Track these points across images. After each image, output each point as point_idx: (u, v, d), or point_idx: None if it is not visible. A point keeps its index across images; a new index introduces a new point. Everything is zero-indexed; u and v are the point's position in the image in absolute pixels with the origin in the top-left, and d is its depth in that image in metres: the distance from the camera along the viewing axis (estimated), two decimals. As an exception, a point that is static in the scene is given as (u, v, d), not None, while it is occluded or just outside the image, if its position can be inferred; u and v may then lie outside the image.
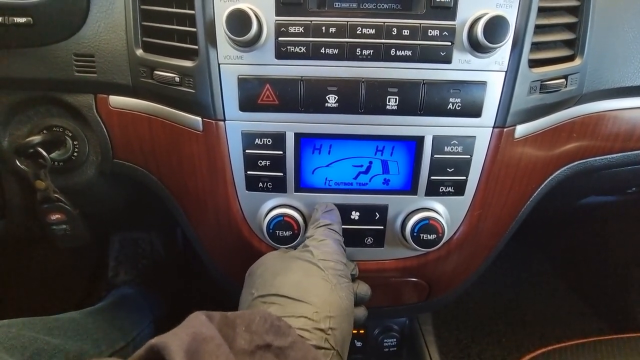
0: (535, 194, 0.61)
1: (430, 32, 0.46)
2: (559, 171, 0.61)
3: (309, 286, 0.42)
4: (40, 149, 0.57)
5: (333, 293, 0.43)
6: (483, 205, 0.56)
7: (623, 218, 1.16)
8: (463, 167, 0.52)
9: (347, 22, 0.46)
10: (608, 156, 0.62)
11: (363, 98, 0.48)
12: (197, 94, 0.50)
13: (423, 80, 0.48)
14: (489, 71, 0.48)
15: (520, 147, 0.54)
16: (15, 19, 0.50)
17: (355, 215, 0.55)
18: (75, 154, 0.60)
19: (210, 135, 0.51)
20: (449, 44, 0.46)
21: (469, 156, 0.52)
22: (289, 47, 0.47)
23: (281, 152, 0.51)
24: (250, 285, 0.46)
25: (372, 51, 0.47)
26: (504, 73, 0.48)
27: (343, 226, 0.55)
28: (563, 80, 0.51)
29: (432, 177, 0.53)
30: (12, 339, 0.53)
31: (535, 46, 0.50)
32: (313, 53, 0.47)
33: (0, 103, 0.57)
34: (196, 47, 0.48)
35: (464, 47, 0.47)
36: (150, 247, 1.15)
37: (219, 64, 0.48)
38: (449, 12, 0.46)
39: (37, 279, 1.08)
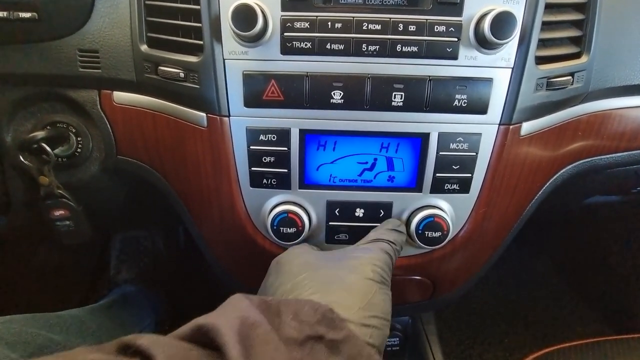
0: (540, 193, 0.60)
1: (437, 28, 0.46)
2: (564, 170, 0.60)
3: (354, 282, 0.40)
4: (44, 145, 0.56)
5: (377, 295, 0.40)
6: (488, 203, 0.55)
7: (627, 218, 1.15)
8: (468, 164, 0.52)
9: (353, 17, 0.46)
10: (613, 155, 0.61)
11: (368, 94, 0.48)
12: (202, 89, 0.49)
13: (429, 76, 0.48)
14: (496, 67, 0.48)
15: (526, 145, 0.53)
16: (20, 13, 0.50)
17: (359, 212, 0.55)
18: (79, 150, 0.60)
19: (215, 131, 0.51)
20: (456, 40, 0.46)
21: (474, 153, 0.51)
22: (294, 42, 0.47)
23: (286, 149, 0.51)
24: (285, 274, 0.43)
25: (378, 47, 0.46)
26: (510, 70, 0.48)
27: (347, 223, 0.55)
28: (569, 77, 0.51)
29: (438, 175, 0.52)
30: (14, 335, 0.53)
31: (542, 43, 0.49)
32: (318, 49, 0.47)
33: (4, 99, 0.57)
34: (201, 42, 0.48)
35: (470, 43, 0.47)
36: (152, 245, 1.14)
37: (224, 60, 0.48)
38: (456, 7, 0.46)
39: (40, 277, 1.08)
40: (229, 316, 0.30)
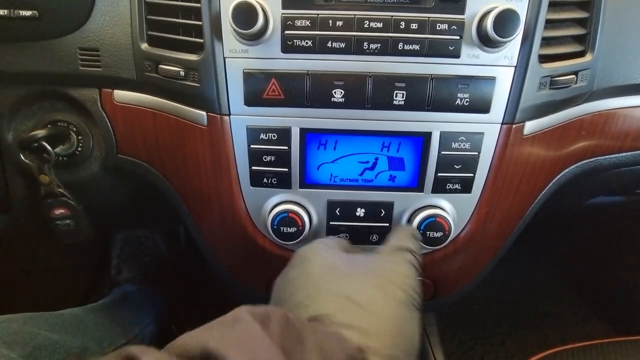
0: (543, 193, 0.60)
1: (439, 26, 0.45)
2: (567, 170, 0.60)
3: (385, 305, 0.36)
4: (44, 143, 0.56)
5: (408, 323, 0.36)
6: (490, 203, 0.55)
7: (630, 219, 1.14)
8: (471, 163, 0.51)
9: (355, 15, 0.45)
10: (617, 155, 0.61)
11: (370, 93, 0.48)
12: (202, 88, 0.49)
13: (431, 75, 0.47)
14: (498, 66, 0.47)
15: (529, 144, 0.53)
16: (20, 11, 0.50)
17: (360, 212, 0.54)
18: (79, 148, 0.60)
19: (215, 130, 0.51)
20: (458, 38, 0.46)
21: (476, 153, 0.51)
22: (295, 40, 0.46)
23: (286, 148, 0.51)
24: (307, 274, 0.39)
25: (379, 45, 0.46)
26: (513, 68, 0.48)
27: (348, 223, 0.55)
28: (573, 76, 0.51)
29: (439, 174, 0.52)
30: (13, 334, 0.52)
31: (546, 41, 0.49)
32: (319, 47, 0.46)
33: (5, 97, 0.57)
34: (202, 40, 0.48)
35: (473, 41, 0.46)
36: (153, 245, 1.14)
37: (224, 58, 0.48)
38: (458, 5, 0.45)
39: (40, 276, 1.08)
40: (242, 349, 0.27)
